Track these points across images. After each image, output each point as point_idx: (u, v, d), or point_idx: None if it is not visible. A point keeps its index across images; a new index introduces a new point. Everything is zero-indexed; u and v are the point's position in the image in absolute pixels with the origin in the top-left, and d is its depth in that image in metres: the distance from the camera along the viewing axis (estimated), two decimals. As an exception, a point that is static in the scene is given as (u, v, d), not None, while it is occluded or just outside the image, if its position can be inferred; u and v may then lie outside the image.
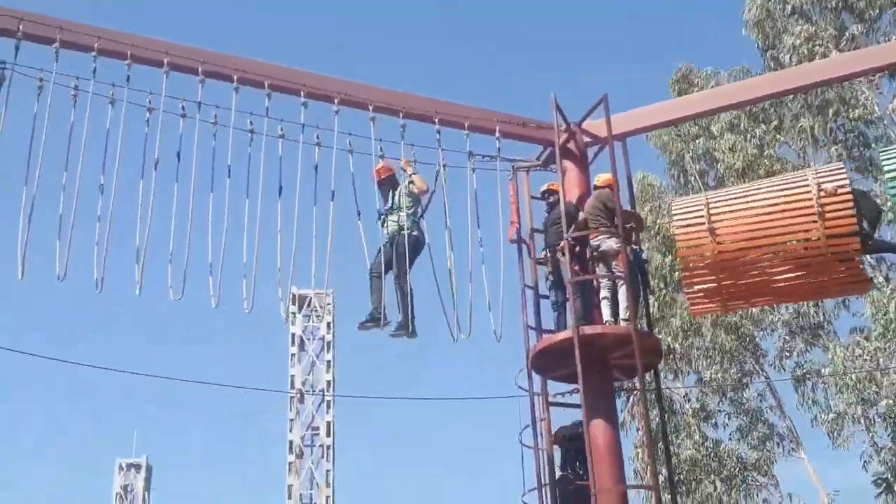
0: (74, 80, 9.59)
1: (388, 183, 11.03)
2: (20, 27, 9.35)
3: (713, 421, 24.04)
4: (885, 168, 10.47)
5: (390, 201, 10.92)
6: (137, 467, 38.58)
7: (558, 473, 10.36)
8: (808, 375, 22.99)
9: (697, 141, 24.06)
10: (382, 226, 10.85)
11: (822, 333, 23.08)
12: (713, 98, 12.48)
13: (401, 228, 10.61)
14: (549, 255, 11.20)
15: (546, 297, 11.21)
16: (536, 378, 10.83)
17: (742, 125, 23.06)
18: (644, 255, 11.51)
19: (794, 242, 10.52)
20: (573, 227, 10.56)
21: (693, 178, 23.48)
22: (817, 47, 21.61)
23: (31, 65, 9.45)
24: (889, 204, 10.87)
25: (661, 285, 22.21)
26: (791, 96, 20.05)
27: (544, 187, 11.48)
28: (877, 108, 21.85)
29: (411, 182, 10.89)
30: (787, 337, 23.56)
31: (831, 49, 21.46)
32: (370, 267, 10.57)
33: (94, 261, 9.31)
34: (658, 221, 22.58)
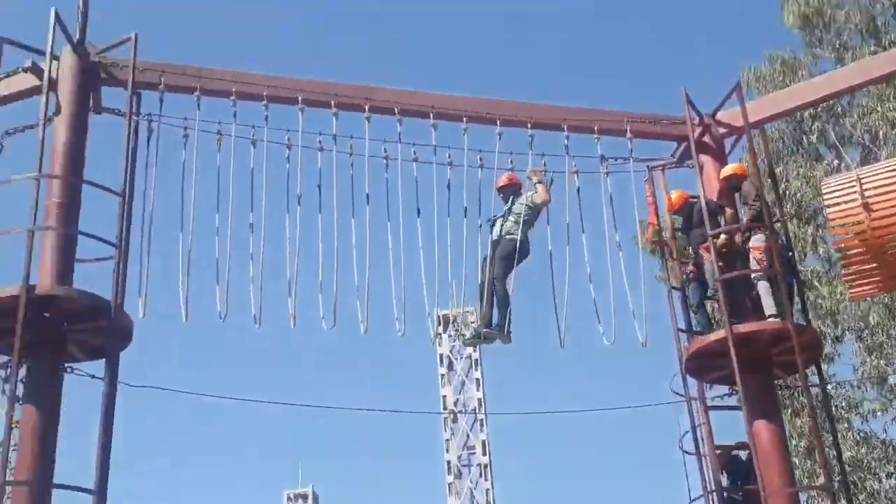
0: (217, 126, 9.91)
1: (509, 190, 10.82)
2: (162, 79, 9.70)
3: (867, 411, 22.60)
4: None
5: (504, 208, 10.77)
6: (304, 497, 39.50)
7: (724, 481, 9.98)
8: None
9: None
10: (490, 231, 10.68)
11: None
12: (846, 76, 11.81)
13: (507, 233, 10.50)
14: (692, 253, 10.90)
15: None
16: (692, 382, 10.49)
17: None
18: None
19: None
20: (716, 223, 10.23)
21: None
22: None
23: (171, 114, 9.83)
24: None
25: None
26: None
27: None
28: None
29: (535, 192, 10.75)
30: None
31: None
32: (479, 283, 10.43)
33: (250, 299, 9.51)
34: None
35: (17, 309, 7.56)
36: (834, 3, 22.03)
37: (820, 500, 20.01)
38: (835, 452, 9.91)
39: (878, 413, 22.33)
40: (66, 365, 8.35)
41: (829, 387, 22.25)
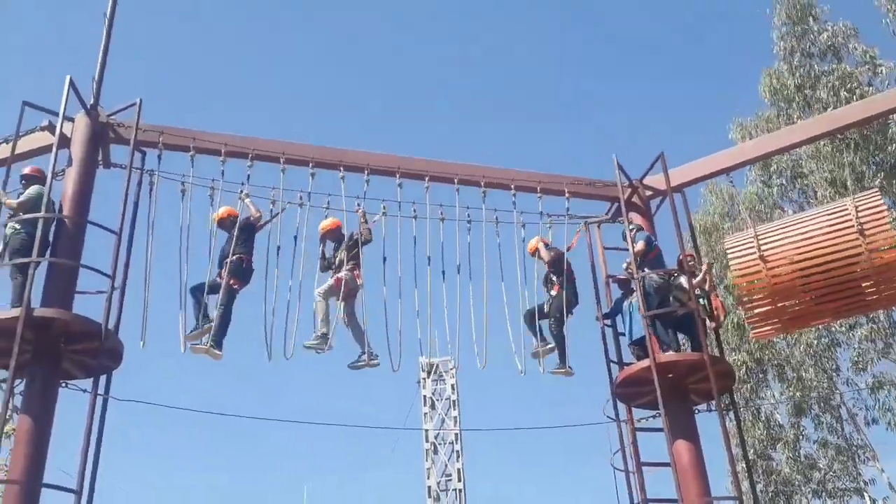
0: (211, 182, 9.70)
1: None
2: (161, 139, 9.52)
3: (802, 433, 22.16)
4: None
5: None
6: (306, 516, 38.54)
7: None
8: (882, 384, 20.90)
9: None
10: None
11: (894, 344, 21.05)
12: (762, 144, 11.70)
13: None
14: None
15: (623, 333, 10.52)
16: (622, 406, 10.08)
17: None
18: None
19: (842, 259, 9.62)
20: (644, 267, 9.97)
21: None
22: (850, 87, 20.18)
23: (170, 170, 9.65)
24: None
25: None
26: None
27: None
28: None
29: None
30: (860, 351, 21.56)
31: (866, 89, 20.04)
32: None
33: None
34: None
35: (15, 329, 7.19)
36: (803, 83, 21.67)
37: None
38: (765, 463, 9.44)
39: (809, 437, 22.01)
40: (63, 381, 7.90)
41: (771, 411, 21.91)
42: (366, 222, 10.15)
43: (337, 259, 10.02)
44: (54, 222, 8.45)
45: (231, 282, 9.30)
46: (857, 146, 20.10)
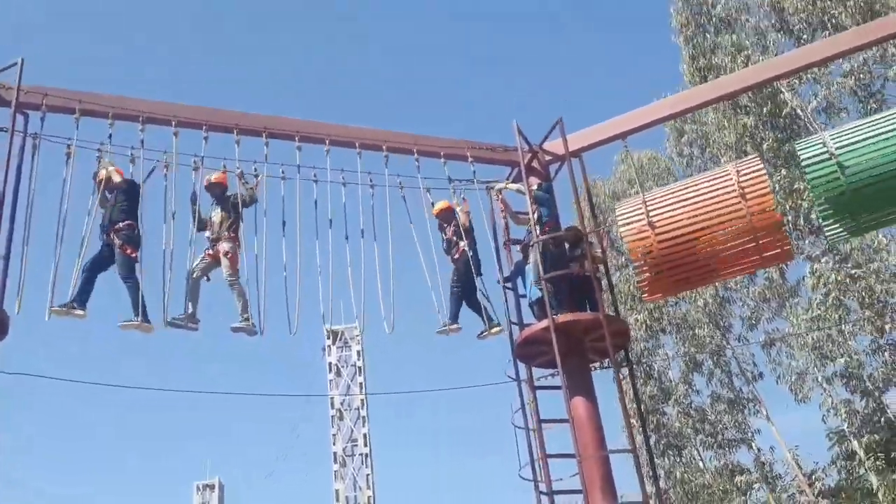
0: (98, 144, 9.25)
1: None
2: (44, 101, 8.99)
3: (695, 388, 23.33)
4: (802, 158, 10.00)
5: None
6: (212, 487, 37.85)
7: None
8: (773, 341, 22.20)
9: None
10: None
11: (787, 304, 22.31)
12: (656, 109, 12.01)
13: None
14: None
15: (523, 295, 10.69)
16: (522, 367, 10.27)
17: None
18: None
19: (725, 222, 10.02)
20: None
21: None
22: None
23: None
24: (810, 188, 10.32)
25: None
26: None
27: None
28: (798, 109, 21.10)
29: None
30: (752, 309, 22.76)
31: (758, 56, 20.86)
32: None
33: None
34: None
35: None
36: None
37: None
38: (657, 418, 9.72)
39: (701, 392, 23.06)
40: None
41: (665, 366, 22.86)
42: (246, 183, 9.85)
43: (212, 219, 9.73)
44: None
45: (129, 251, 8.95)
46: (749, 112, 21.03)
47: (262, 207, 9.72)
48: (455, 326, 10.50)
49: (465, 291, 10.71)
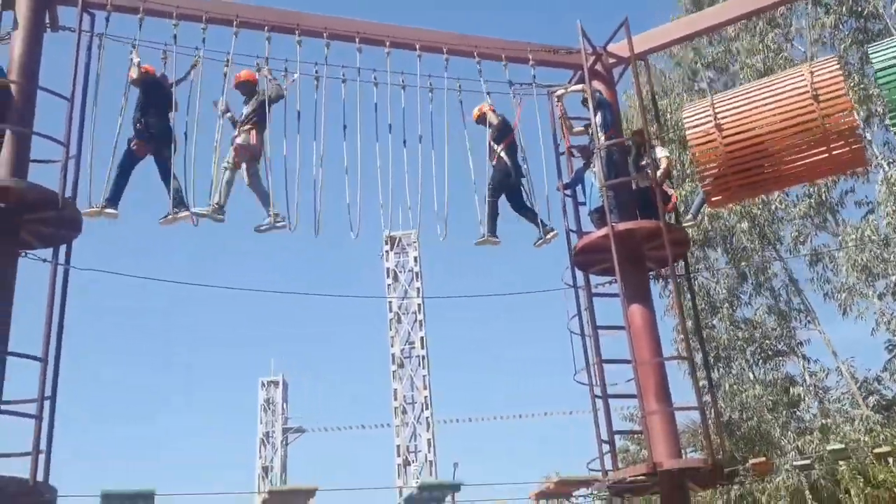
0: (164, 46, 9.27)
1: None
2: (109, 1, 9.01)
3: (744, 301, 22.98)
4: (874, 62, 9.47)
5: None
6: (276, 383, 39.47)
7: None
8: (820, 256, 21.63)
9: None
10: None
11: (832, 218, 21.65)
12: (725, 10, 11.46)
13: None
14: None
15: (583, 203, 10.57)
16: (580, 274, 10.28)
17: (759, 28, 21.48)
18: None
19: (795, 126, 9.63)
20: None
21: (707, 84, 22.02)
22: None
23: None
24: (883, 95, 9.81)
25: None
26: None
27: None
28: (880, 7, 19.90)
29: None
30: (800, 227, 22.15)
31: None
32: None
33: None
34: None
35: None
36: None
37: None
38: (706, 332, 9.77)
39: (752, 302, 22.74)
40: (23, 251, 7.76)
41: (712, 281, 22.62)
42: (274, 79, 9.67)
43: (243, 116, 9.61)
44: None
45: (133, 145, 8.93)
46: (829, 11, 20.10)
47: (321, 111, 9.73)
48: (494, 239, 10.26)
49: (511, 199, 10.56)
